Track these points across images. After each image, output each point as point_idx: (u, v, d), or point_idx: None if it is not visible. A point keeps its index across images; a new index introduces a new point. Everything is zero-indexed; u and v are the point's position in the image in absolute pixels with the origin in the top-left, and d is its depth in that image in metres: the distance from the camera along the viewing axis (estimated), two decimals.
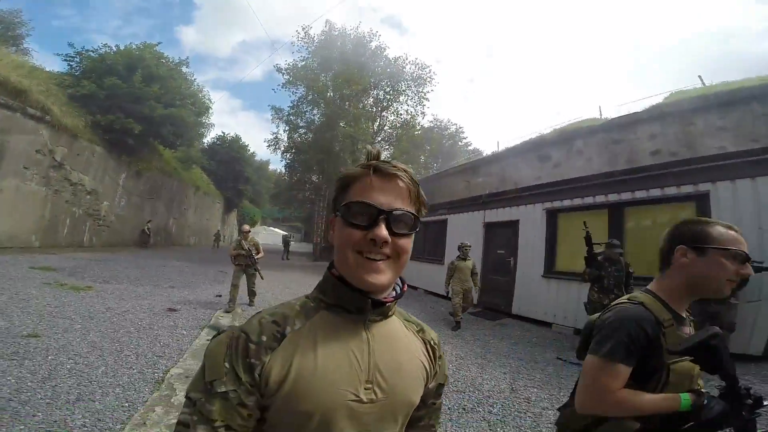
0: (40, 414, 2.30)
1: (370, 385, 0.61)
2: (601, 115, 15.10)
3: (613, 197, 6.11)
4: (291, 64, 21.32)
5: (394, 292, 0.69)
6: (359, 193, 0.62)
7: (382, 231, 0.59)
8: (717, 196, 5.00)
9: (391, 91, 21.62)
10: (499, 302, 7.77)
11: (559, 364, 4.59)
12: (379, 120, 22.28)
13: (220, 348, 0.59)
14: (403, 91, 21.69)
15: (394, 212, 0.60)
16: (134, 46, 15.61)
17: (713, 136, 9.57)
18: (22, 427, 2.15)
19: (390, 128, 22.58)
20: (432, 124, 33.43)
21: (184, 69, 17.94)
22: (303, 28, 21.08)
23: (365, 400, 0.60)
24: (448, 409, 3.11)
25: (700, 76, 12.31)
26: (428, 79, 21.57)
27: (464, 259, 6.30)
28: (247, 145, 33.22)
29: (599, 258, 4.94)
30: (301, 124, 22.00)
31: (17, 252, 9.73)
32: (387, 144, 22.84)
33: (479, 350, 5.07)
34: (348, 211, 0.62)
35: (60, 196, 12.28)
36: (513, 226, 7.85)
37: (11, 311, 4.46)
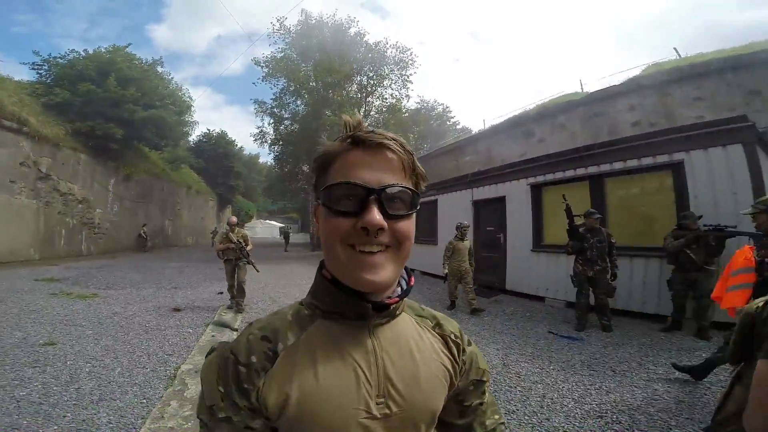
0: (69, 414, 2.51)
1: (382, 400, 0.54)
2: (582, 89, 15.34)
3: (592, 169, 6.30)
4: (269, 56, 21.08)
5: (399, 289, 0.60)
6: (341, 172, 0.52)
7: (375, 215, 0.49)
8: (691, 165, 5.19)
9: (374, 76, 21.50)
10: (493, 279, 8.05)
11: (551, 337, 4.78)
12: (364, 105, 22.19)
13: (211, 371, 0.54)
14: (387, 75, 21.59)
15: (386, 190, 0.51)
16: (103, 50, 15.42)
17: (690, 107, 9.88)
18: (55, 427, 2.36)
19: (376, 113, 22.53)
20: (419, 106, 33.38)
21: (159, 69, 17.76)
22: (278, 20, 20.66)
23: (379, 415, 0.54)
24: None
25: (675, 48, 12.58)
26: (410, 62, 21.46)
27: (461, 240, 6.28)
28: (234, 140, 33.05)
29: (581, 230, 5.16)
30: (285, 116, 21.90)
31: (19, 266, 9.83)
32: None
33: (474, 327, 5.31)
34: (330, 197, 0.52)
35: (52, 208, 12.30)
36: (500, 202, 8.06)
37: (24, 323, 4.65)
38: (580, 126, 12.37)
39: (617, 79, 12.31)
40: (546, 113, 13.99)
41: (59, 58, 14.33)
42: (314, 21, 21.14)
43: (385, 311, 0.57)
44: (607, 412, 2.77)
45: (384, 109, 22.14)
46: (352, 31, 21.29)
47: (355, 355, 0.55)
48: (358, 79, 21.49)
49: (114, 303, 6.15)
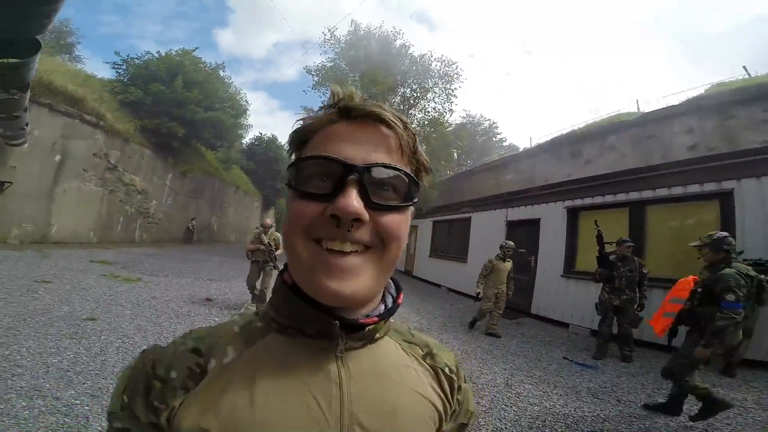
0: (89, 382, 2.78)
1: None
2: (638, 108, 14.56)
3: (634, 195, 5.99)
4: (320, 65, 22.01)
5: (382, 306, 0.48)
6: (318, 146, 0.42)
7: (351, 200, 0.38)
8: (741, 194, 4.82)
9: (417, 89, 21.69)
10: (519, 302, 7.80)
11: (564, 363, 4.65)
12: (407, 117, 22.43)
13: (123, 376, 0.44)
14: (430, 88, 21.68)
15: (372, 170, 0.40)
16: (174, 52, 16.70)
17: (756, 130, 9.06)
18: (72, 392, 2.62)
19: (418, 126, 22.69)
20: (464, 120, 33.21)
21: (221, 73, 19.07)
22: (329, 29, 21.50)
23: None
24: None
25: (744, 67, 11.60)
26: (455, 76, 21.38)
27: (503, 260, 5.87)
28: (284, 145, 34.38)
29: (611, 258, 4.93)
30: None
31: (78, 247, 10.86)
32: None
33: (487, 346, 5.22)
34: (297, 175, 0.42)
35: (115, 196, 13.51)
36: (534, 224, 7.83)
37: (74, 298, 5.15)
38: (630, 148, 11.73)
39: (678, 99, 11.62)
40: (595, 133, 13.42)
41: (136, 58, 15.73)
42: (362, 32, 21.81)
43: (359, 333, 0.45)
44: None
45: (426, 122, 22.26)
46: (398, 42, 21.69)
47: (312, 383, 0.43)
48: (402, 90, 21.79)
49: (154, 288, 6.64)
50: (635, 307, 4.81)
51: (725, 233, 3.30)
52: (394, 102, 22.21)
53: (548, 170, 14.25)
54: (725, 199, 4.95)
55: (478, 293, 5.89)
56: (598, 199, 6.55)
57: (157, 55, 16.05)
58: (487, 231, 9.21)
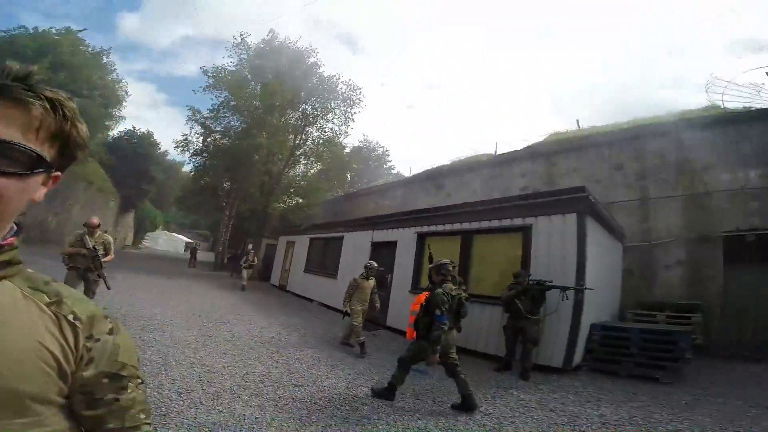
0: None
1: None
2: (496, 151, 17.19)
3: (465, 225, 7.16)
4: (219, 67, 21.00)
5: None
6: None
7: None
8: (537, 229, 6.15)
9: (319, 108, 21.97)
10: (377, 315, 8.45)
11: None
12: (302, 134, 22.51)
13: None
14: (332, 109, 22.13)
15: None
16: (54, 31, 15.10)
17: (568, 176, 11.53)
18: None
19: (312, 144, 22.87)
20: (362, 144, 34.81)
21: (104, 59, 17.68)
22: (241, 34, 20.79)
23: None
24: (279, 398, 3.62)
25: (577, 120, 14.78)
26: (357, 101, 22.21)
27: (367, 278, 6.28)
28: (159, 143, 31.21)
29: None
30: (217, 128, 21.41)
31: None
32: (305, 158, 23.21)
33: (339, 354, 5.61)
34: None
35: None
36: (392, 246, 8.66)
37: None
38: (480, 185, 13.79)
39: (520, 146, 14.09)
40: (455, 170, 15.42)
41: (2, 32, 13.76)
42: (278, 43, 21.48)
43: None
44: None
45: (321, 141, 22.56)
46: (310, 60, 21.83)
47: None
48: (302, 107, 21.86)
49: None
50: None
51: (447, 260, 4.23)
52: (293, 117, 22.12)
53: (417, 199, 15.80)
54: (527, 232, 6.26)
55: (346, 311, 6.21)
56: (440, 227, 7.64)
57: (32, 31, 14.25)
58: (357, 250, 9.83)
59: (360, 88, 21.78)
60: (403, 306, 7.80)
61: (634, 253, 9.05)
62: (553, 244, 5.91)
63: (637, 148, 10.01)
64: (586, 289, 5.44)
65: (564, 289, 5.23)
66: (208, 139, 21.42)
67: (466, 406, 3.77)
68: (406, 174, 23.10)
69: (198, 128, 21.13)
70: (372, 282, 6.38)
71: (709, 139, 8.87)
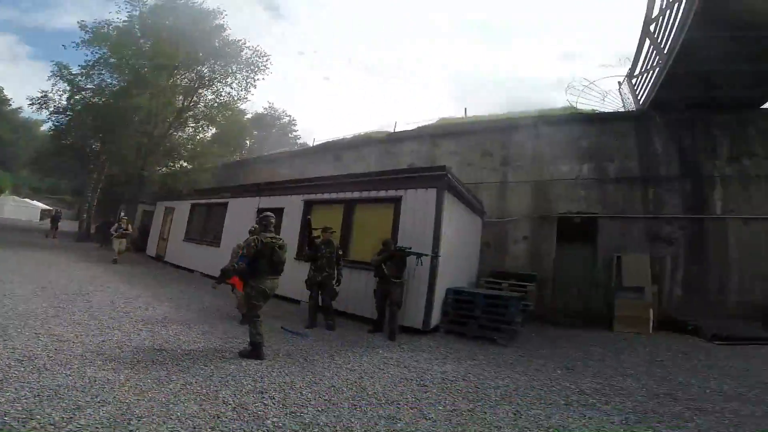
0: None
1: None
2: (395, 129, 18.01)
3: (348, 195, 7.63)
4: (103, 22, 17.95)
5: None
6: None
7: None
8: (406, 201, 6.87)
9: (220, 71, 20.08)
10: None
11: (280, 332, 5.48)
12: (194, 96, 20.49)
13: None
14: (233, 73, 20.41)
15: None
16: None
17: (448, 158, 12.81)
18: None
19: (205, 107, 21.01)
20: (266, 111, 32.96)
21: None
22: None
23: None
24: (137, 361, 3.64)
25: (465, 108, 16.24)
26: (262, 68, 20.77)
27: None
28: (10, 99, 25.83)
29: (317, 241, 6.19)
30: (88, 86, 18.39)
31: None
32: (194, 121, 21.30)
33: (216, 323, 5.66)
34: None
35: None
36: (279, 212, 8.74)
37: None
38: (374, 160, 14.49)
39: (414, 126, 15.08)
40: (354, 144, 15.89)
41: None
42: (181, 1, 18.84)
43: None
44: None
45: (215, 105, 20.83)
46: (216, 23, 19.65)
47: None
48: (198, 68, 19.78)
49: None
50: (333, 282, 6.15)
51: (270, 213, 4.84)
52: (186, 78, 19.94)
53: (315, 169, 15.87)
54: (398, 203, 6.94)
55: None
56: (326, 196, 7.99)
57: None
58: (241, 217, 9.63)
59: (268, 55, 20.49)
60: (288, 272, 8.01)
61: (493, 228, 10.64)
62: (417, 216, 6.66)
63: (503, 139, 11.66)
64: (437, 256, 6.29)
65: (419, 255, 5.99)
66: (76, 97, 18.34)
67: (255, 354, 4.15)
68: (311, 144, 22.86)
69: (63, 85, 17.99)
70: None
71: (558, 135, 10.75)
